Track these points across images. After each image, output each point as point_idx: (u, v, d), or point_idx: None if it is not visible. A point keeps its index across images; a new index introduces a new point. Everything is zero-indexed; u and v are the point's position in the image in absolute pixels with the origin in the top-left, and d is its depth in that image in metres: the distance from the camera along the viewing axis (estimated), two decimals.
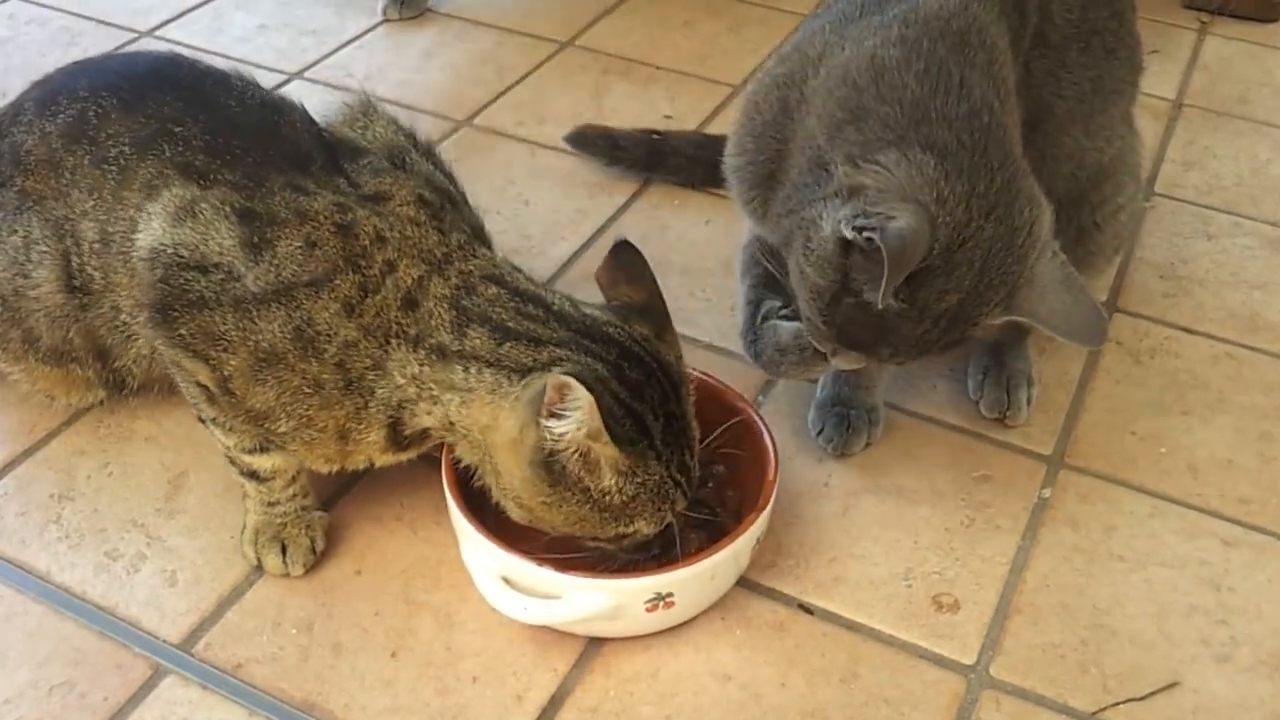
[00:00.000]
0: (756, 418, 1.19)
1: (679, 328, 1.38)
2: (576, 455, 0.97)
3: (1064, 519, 1.26)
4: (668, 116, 1.85)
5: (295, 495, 1.16)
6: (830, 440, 1.30)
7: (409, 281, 1.03)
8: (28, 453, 1.28)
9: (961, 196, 1.00)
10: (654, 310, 1.07)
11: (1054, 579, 1.19)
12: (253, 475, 1.14)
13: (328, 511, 1.21)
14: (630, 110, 1.86)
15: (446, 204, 1.11)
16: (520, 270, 1.09)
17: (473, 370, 1.01)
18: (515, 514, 1.05)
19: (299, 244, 1.02)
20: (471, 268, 1.06)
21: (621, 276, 1.07)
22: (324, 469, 1.11)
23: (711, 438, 1.09)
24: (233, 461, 1.14)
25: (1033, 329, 1.39)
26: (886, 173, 1.01)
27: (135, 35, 2.03)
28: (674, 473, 1.01)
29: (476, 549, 1.08)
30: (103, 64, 1.29)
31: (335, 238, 1.03)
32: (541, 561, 1.04)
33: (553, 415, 0.95)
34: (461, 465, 1.08)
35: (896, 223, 0.97)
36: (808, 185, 1.08)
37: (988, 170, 1.01)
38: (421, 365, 1.02)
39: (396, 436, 1.06)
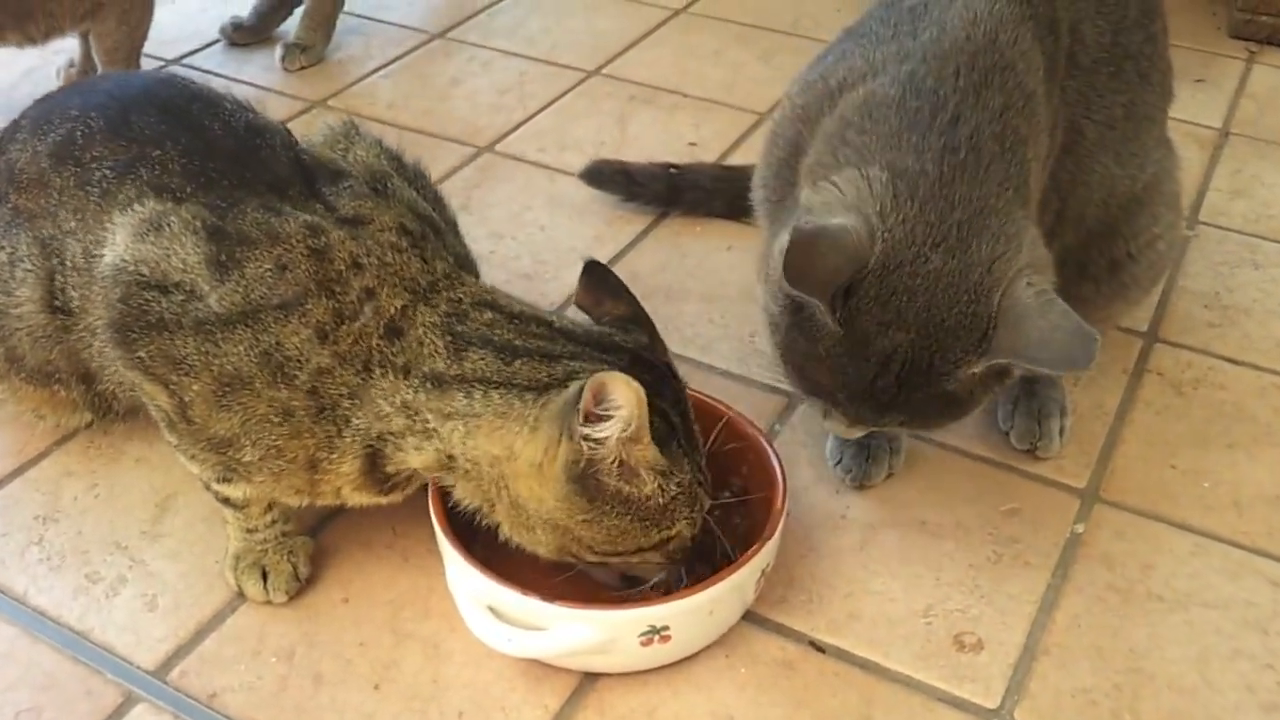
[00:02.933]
0: (766, 444, 1.12)
1: (696, 354, 1.33)
2: (614, 464, 0.93)
3: (1098, 556, 1.17)
4: (692, 144, 1.80)
5: (274, 522, 1.11)
6: (849, 471, 1.23)
7: (392, 310, 0.98)
8: (16, 472, 1.24)
9: (909, 218, 0.95)
10: (642, 321, 1.04)
11: (1086, 619, 1.11)
12: (227, 502, 1.09)
13: (315, 536, 1.16)
14: (654, 138, 1.82)
15: (429, 232, 1.06)
16: (512, 297, 1.04)
17: (477, 394, 0.96)
18: (545, 547, 0.99)
19: (269, 266, 0.98)
20: (461, 294, 1.01)
21: (603, 294, 1.05)
22: (294, 502, 1.06)
23: (708, 445, 1.03)
24: (207, 488, 1.09)
25: None
26: (837, 190, 0.98)
27: (162, 63, 2.02)
28: (699, 472, 0.99)
29: (461, 575, 1.01)
30: (97, 83, 1.27)
31: (307, 261, 0.99)
32: (527, 590, 0.97)
33: (591, 420, 0.90)
34: (462, 507, 1.02)
35: (825, 222, 0.93)
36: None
37: (948, 202, 0.95)
38: (415, 392, 0.97)
39: (375, 472, 1.01)
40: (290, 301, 0.97)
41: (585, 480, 0.93)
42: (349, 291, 0.98)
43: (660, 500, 0.95)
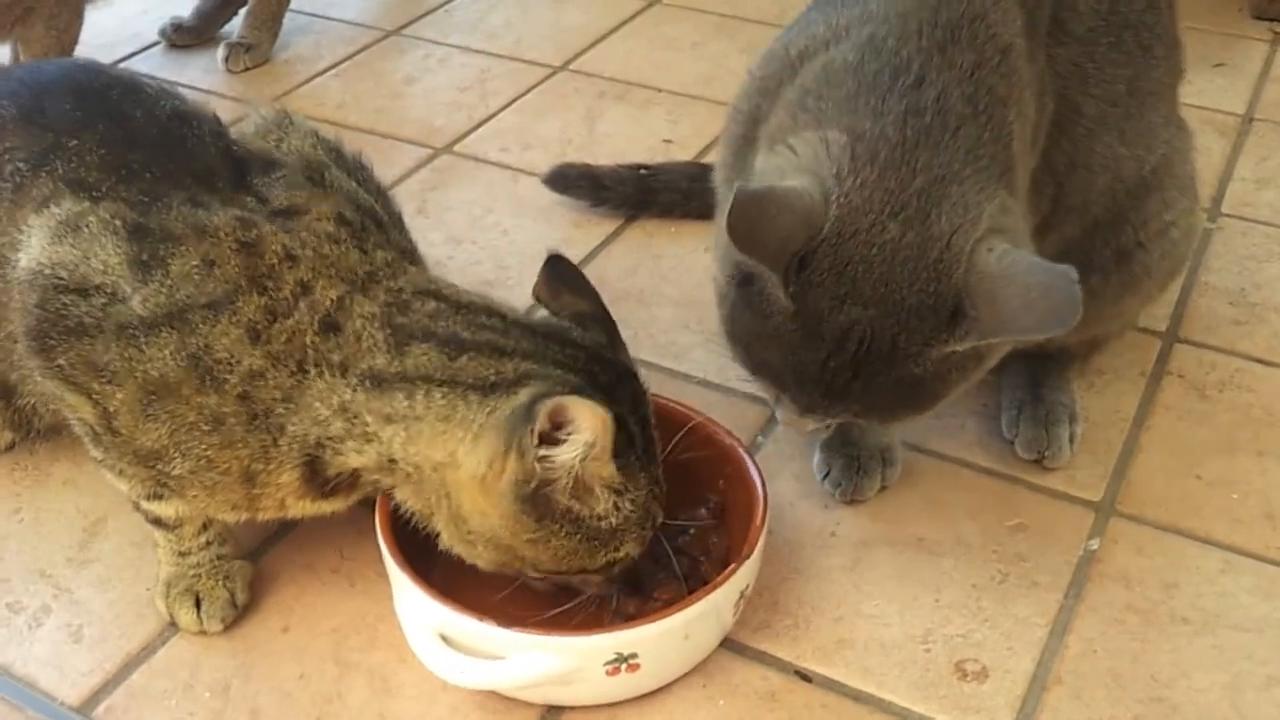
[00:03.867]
0: (745, 455, 1.11)
1: (670, 362, 1.31)
2: (568, 483, 0.92)
3: (1115, 574, 1.15)
4: (668, 141, 1.80)
5: (209, 544, 1.09)
6: (838, 485, 1.21)
7: (327, 303, 0.97)
8: None
9: (868, 183, 0.94)
10: (603, 319, 1.03)
11: (1102, 644, 1.09)
12: (158, 523, 1.07)
13: (256, 560, 1.14)
14: (625, 135, 1.81)
15: (370, 224, 1.05)
16: (458, 286, 1.03)
17: (419, 395, 0.94)
18: (485, 560, 0.98)
19: (195, 263, 0.97)
20: (402, 284, 1.00)
21: (563, 288, 1.04)
22: (230, 518, 1.05)
23: (666, 452, 1.02)
24: (136, 507, 1.07)
25: (1075, 355, 1.32)
26: (792, 153, 0.97)
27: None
28: (654, 484, 0.97)
29: (409, 600, 0.99)
30: (9, 71, 1.25)
31: (237, 256, 0.97)
32: (483, 615, 0.95)
33: (547, 442, 0.89)
34: (404, 511, 1.01)
35: (775, 184, 0.93)
36: None
37: (909, 168, 0.94)
38: (353, 392, 0.95)
39: (315, 479, 0.99)
40: (219, 300, 0.96)
41: (534, 499, 0.92)
42: (282, 286, 0.97)
43: (613, 521, 0.94)
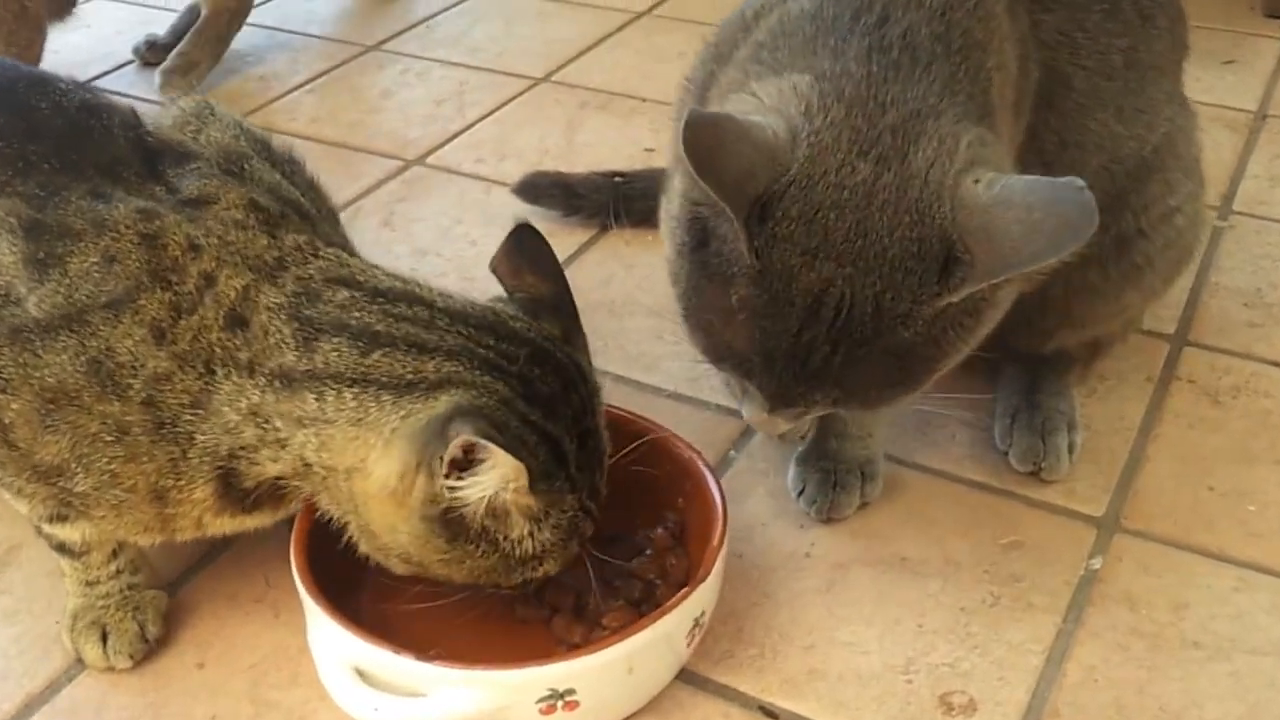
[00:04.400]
0: (704, 469, 1.00)
1: (640, 374, 1.21)
2: (481, 509, 0.83)
3: (1119, 595, 1.03)
4: (650, 150, 1.70)
5: (120, 572, 1.00)
6: (813, 501, 1.10)
7: (232, 294, 0.88)
8: None
9: (836, 122, 0.82)
10: (563, 307, 0.93)
11: (1105, 672, 0.97)
12: (63, 549, 0.98)
13: (175, 590, 1.05)
14: (606, 145, 1.72)
15: (292, 214, 0.96)
16: (382, 268, 0.93)
17: (329, 395, 0.85)
18: (399, 569, 0.90)
19: (95, 259, 0.88)
20: (311, 271, 0.90)
21: (525, 265, 0.93)
22: (144, 541, 0.95)
23: (616, 462, 0.92)
24: (39, 532, 0.98)
25: (1074, 359, 1.20)
26: (755, 98, 0.86)
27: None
28: (586, 501, 0.88)
29: (321, 630, 0.89)
30: None
31: (139, 250, 0.89)
32: (400, 648, 0.85)
33: (460, 467, 0.81)
34: (328, 518, 0.91)
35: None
36: None
37: (878, 104, 0.83)
38: (262, 394, 0.86)
39: (233, 493, 0.90)
40: (120, 298, 0.87)
41: (445, 520, 0.83)
42: (186, 280, 0.88)
43: (530, 547, 0.85)
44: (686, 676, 0.96)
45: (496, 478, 0.80)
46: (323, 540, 0.91)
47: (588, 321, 0.95)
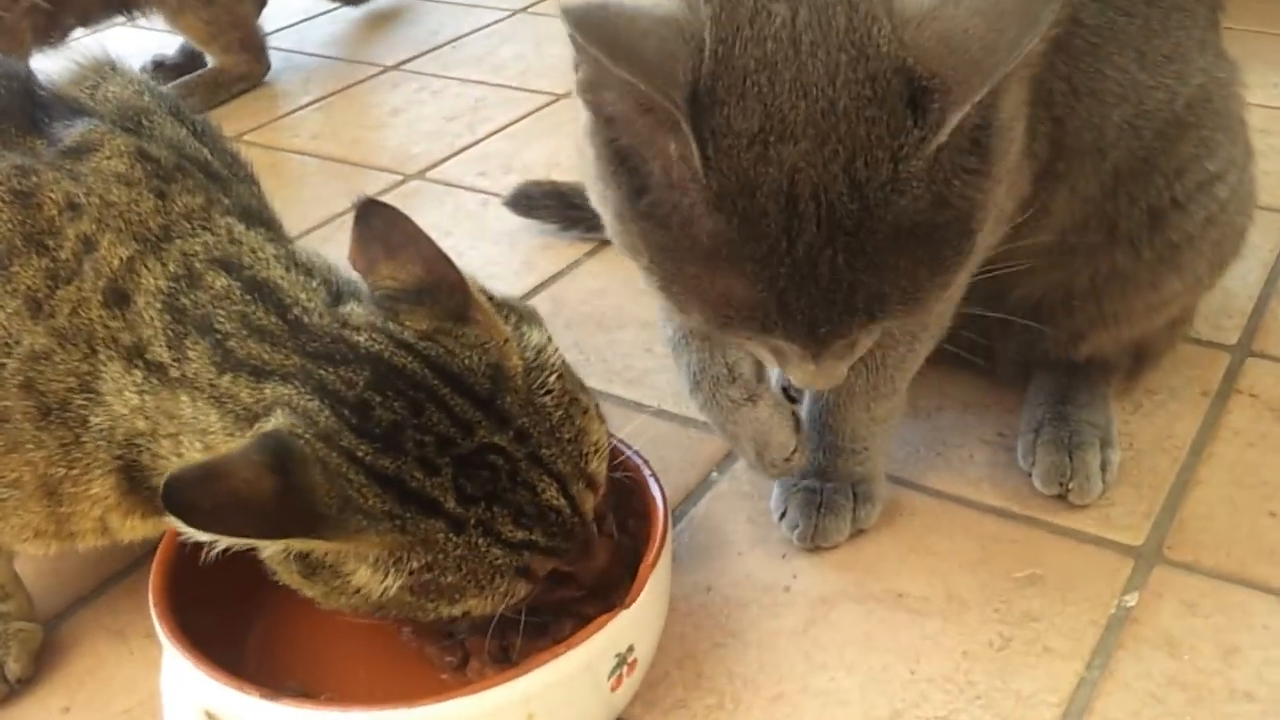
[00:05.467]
0: (650, 479, 0.85)
1: (621, 389, 1.06)
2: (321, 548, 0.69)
3: (1157, 638, 0.85)
4: None
5: None
6: (795, 526, 0.94)
7: (114, 264, 0.76)
8: None
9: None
10: (438, 288, 0.73)
11: None
12: None
13: (59, 624, 0.92)
14: None
15: (193, 170, 0.83)
16: (275, 244, 0.79)
17: (200, 407, 0.73)
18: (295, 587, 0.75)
19: None
20: (197, 247, 0.78)
21: (379, 252, 0.75)
22: (35, 550, 0.83)
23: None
24: None
25: (1114, 367, 1.03)
26: None
27: None
28: (503, 528, 0.69)
29: (166, 663, 0.75)
30: None
31: (11, 209, 0.78)
32: (264, 692, 0.70)
33: None
34: None
35: None
36: None
37: None
38: (141, 391, 0.74)
39: (139, 489, 0.77)
40: None
41: (301, 554, 0.70)
42: (64, 244, 0.77)
43: (391, 593, 0.69)
44: None
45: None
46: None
47: (573, 336, 0.80)
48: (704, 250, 0.68)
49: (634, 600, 0.75)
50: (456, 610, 0.72)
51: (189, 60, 1.91)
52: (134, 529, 0.81)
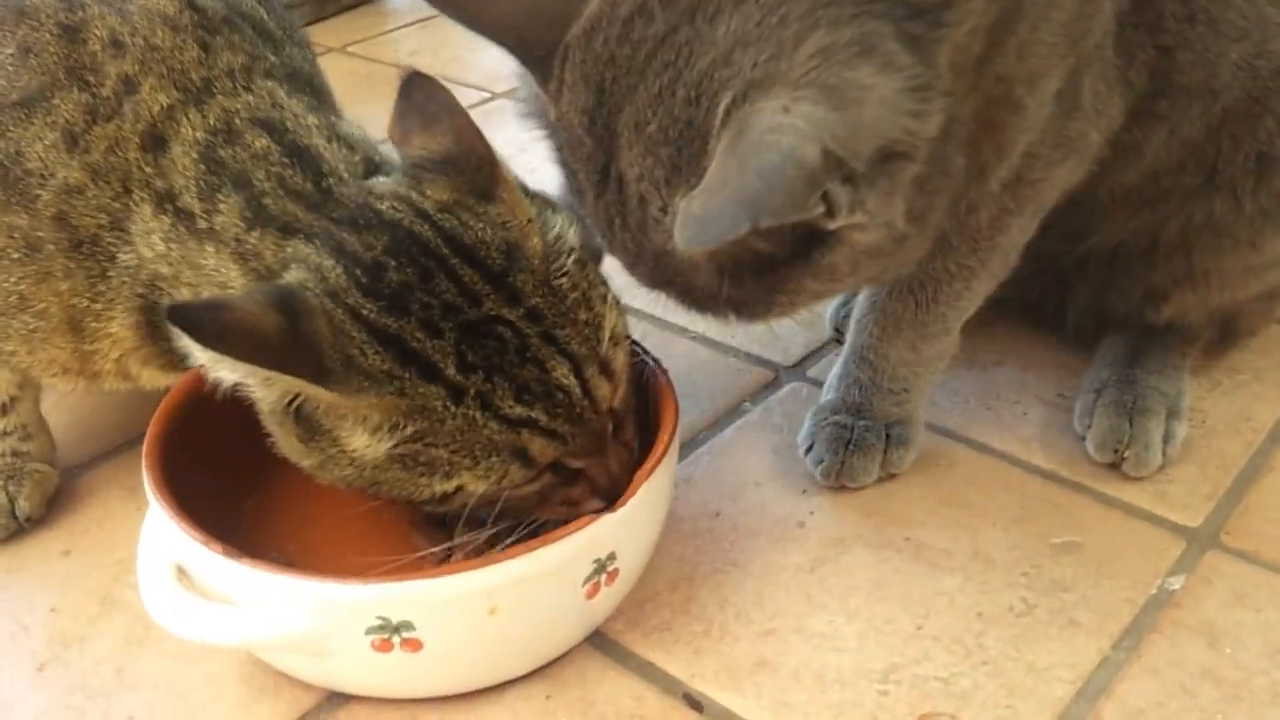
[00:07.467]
0: (658, 371, 0.77)
1: (663, 311, 0.99)
2: (322, 404, 0.65)
3: (1197, 625, 0.75)
4: None
5: (7, 433, 0.86)
6: (820, 461, 0.85)
7: (155, 109, 0.73)
8: None
9: None
10: (465, 160, 0.69)
11: (1155, 717, 0.69)
12: None
13: (78, 475, 0.90)
14: None
15: (242, 26, 0.79)
16: (317, 114, 0.75)
17: (224, 260, 0.70)
18: (293, 460, 0.71)
19: (10, 51, 0.75)
20: (238, 105, 0.74)
21: (415, 122, 0.71)
22: (65, 387, 0.81)
23: None
24: None
25: (1195, 335, 0.93)
26: None
27: None
28: (502, 402, 0.64)
29: (149, 521, 0.71)
30: None
31: (57, 42, 0.75)
32: (227, 549, 0.65)
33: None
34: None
35: None
36: None
37: None
38: (168, 238, 0.71)
39: (159, 335, 0.74)
40: (33, 96, 0.74)
41: (296, 412, 0.65)
42: (105, 80, 0.74)
43: (368, 455, 0.65)
44: (602, 643, 0.74)
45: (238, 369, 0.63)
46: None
47: None
48: None
49: (629, 499, 0.67)
50: (450, 486, 0.66)
51: None
52: (153, 377, 0.79)
